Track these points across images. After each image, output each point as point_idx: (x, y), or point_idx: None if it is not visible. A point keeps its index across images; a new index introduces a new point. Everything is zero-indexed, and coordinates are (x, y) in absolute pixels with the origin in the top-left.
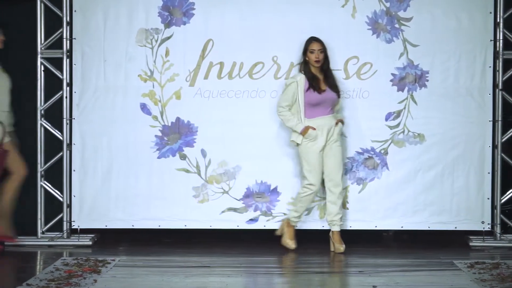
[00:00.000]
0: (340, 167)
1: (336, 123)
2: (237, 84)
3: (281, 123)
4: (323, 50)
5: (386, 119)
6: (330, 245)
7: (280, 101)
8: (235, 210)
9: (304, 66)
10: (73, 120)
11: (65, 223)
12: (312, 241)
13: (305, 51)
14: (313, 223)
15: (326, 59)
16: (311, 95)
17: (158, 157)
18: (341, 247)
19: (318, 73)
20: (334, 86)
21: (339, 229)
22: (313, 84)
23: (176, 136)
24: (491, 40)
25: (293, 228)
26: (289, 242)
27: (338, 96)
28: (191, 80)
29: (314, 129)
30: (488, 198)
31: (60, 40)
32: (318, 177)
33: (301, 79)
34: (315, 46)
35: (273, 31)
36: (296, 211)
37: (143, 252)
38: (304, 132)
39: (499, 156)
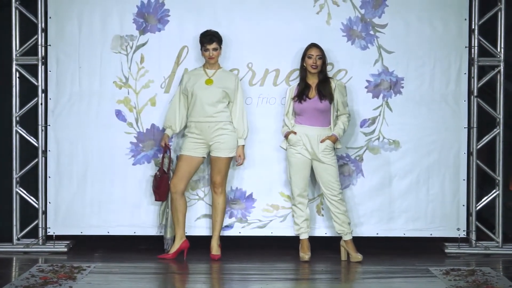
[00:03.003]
0: (336, 176)
1: (323, 140)
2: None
3: (255, 130)
4: (322, 57)
5: (361, 126)
6: (341, 255)
7: (284, 112)
8: (210, 217)
9: (300, 72)
10: (48, 126)
11: (40, 229)
12: (288, 247)
13: (304, 57)
14: (288, 229)
15: (323, 67)
16: (295, 104)
17: (133, 164)
18: (359, 256)
19: (313, 80)
20: (325, 96)
21: (350, 237)
22: (299, 92)
23: (151, 143)
24: (466, 47)
25: (304, 241)
26: (301, 254)
27: (329, 103)
28: (166, 87)
29: (295, 133)
30: (464, 205)
31: (35, 46)
32: (301, 185)
33: (292, 88)
34: (313, 52)
35: (248, 38)
36: (295, 224)
37: (118, 258)
38: (286, 136)
39: (474, 163)
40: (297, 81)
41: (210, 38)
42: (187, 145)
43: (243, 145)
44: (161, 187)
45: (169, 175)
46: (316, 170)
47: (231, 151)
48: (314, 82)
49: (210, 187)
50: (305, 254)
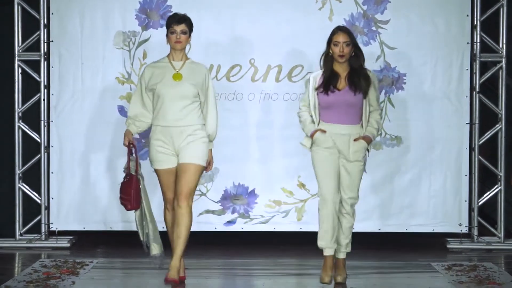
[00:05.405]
0: (354, 188)
1: (356, 139)
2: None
3: (257, 126)
4: (350, 42)
5: None
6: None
7: (300, 100)
8: (212, 212)
9: (325, 59)
10: (50, 122)
11: (43, 225)
12: (291, 243)
13: (329, 43)
14: (290, 225)
15: (357, 53)
16: (321, 96)
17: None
18: (338, 277)
19: (342, 69)
20: (356, 86)
21: (343, 256)
22: (326, 82)
23: None
24: (468, 43)
25: (328, 259)
26: (322, 275)
27: (362, 97)
28: None
29: (324, 131)
30: (466, 201)
31: (37, 42)
32: (330, 186)
33: (317, 76)
34: (340, 38)
35: (250, 34)
36: (320, 234)
37: (120, 254)
38: (312, 135)
39: (476, 159)
40: (301, 76)
41: (179, 19)
42: (158, 157)
43: (211, 149)
44: (131, 192)
45: (138, 178)
46: (340, 172)
47: (203, 160)
48: (344, 71)
49: (174, 200)
50: (325, 275)
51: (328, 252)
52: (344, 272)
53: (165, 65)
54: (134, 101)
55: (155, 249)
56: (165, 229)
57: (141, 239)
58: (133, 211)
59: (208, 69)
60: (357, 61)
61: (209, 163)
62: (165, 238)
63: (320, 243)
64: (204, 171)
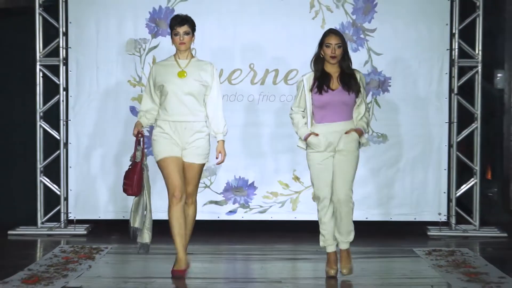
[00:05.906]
0: (346, 181)
1: (348, 132)
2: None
3: (257, 124)
4: (342, 45)
5: None
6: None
7: (292, 103)
8: (216, 203)
9: (316, 61)
10: (69, 121)
11: (62, 214)
12: (286, 230)
13: (321, 45)
14: (286, 214)
15: (345, 55)
16: (315, 96)
17: (146, 155)
18: (344, 269)
19: (333, 70)
20: (349, 86)
21: (345, 247)
22: (319, 82)
23: None
24: (447, 49)
25: (331, 254)
26: (327, 269)
27: (355, 97)
28: None
29: (317, 135)
30: (444, 192)
31: (57, 49)
32: (324, 189)
33: (309, 77)
34: (332, 40)
35: (250, 41)
36: (321, 235)
37: (133, 240)
38: (305, 139)
39: (454, 155)
40: (296, 79)
41: (180, 21)
42: (163, 147)
43: (223, 141)
44: (134, 178)
45: (142, 166)
46: (334, 171)
47: (206, 157)
48: (335, 72)
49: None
50: (331, 268)
51: (330, 249)
52: (348, 262)
53: (171, 63)
54: (145, 98)
55: (148, 237)
56: (159, 218)
57: (131, 225)
58: (133, 197)
59: (213, 65)
60: (347, 63)
61: (220, 153)
62: (159, 228)
63: (323, 244)
64: (216, 164)
